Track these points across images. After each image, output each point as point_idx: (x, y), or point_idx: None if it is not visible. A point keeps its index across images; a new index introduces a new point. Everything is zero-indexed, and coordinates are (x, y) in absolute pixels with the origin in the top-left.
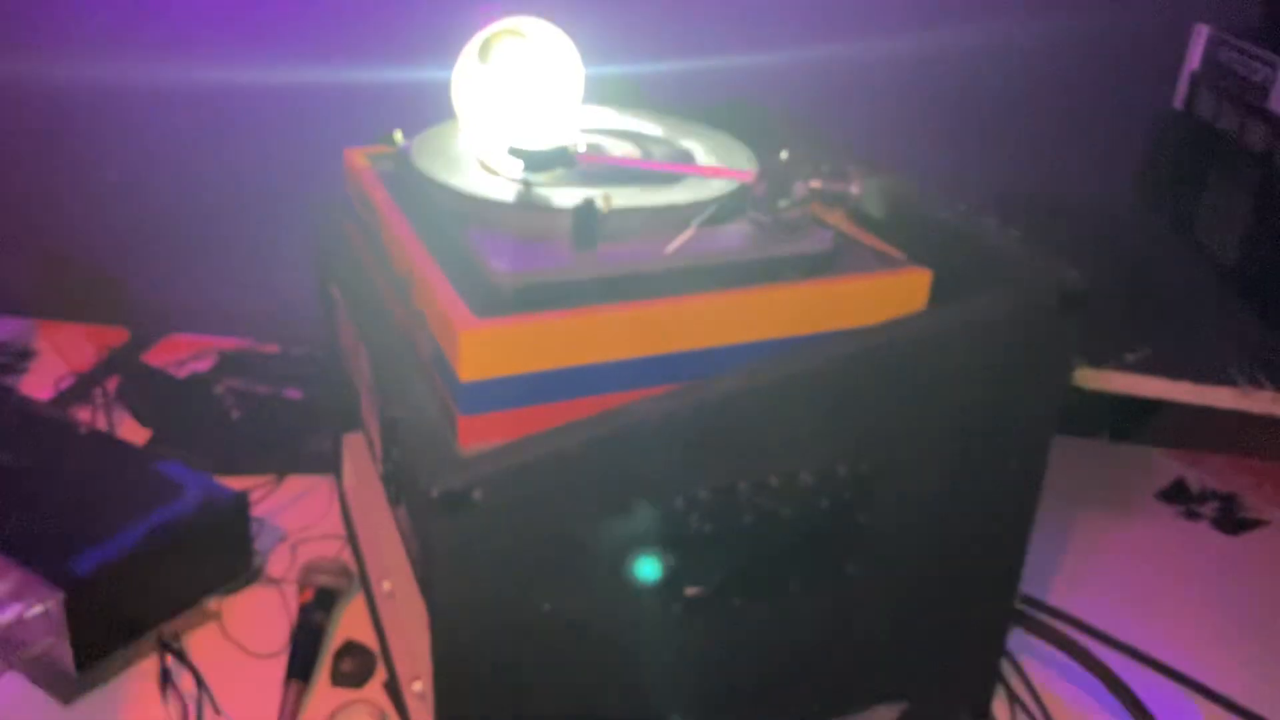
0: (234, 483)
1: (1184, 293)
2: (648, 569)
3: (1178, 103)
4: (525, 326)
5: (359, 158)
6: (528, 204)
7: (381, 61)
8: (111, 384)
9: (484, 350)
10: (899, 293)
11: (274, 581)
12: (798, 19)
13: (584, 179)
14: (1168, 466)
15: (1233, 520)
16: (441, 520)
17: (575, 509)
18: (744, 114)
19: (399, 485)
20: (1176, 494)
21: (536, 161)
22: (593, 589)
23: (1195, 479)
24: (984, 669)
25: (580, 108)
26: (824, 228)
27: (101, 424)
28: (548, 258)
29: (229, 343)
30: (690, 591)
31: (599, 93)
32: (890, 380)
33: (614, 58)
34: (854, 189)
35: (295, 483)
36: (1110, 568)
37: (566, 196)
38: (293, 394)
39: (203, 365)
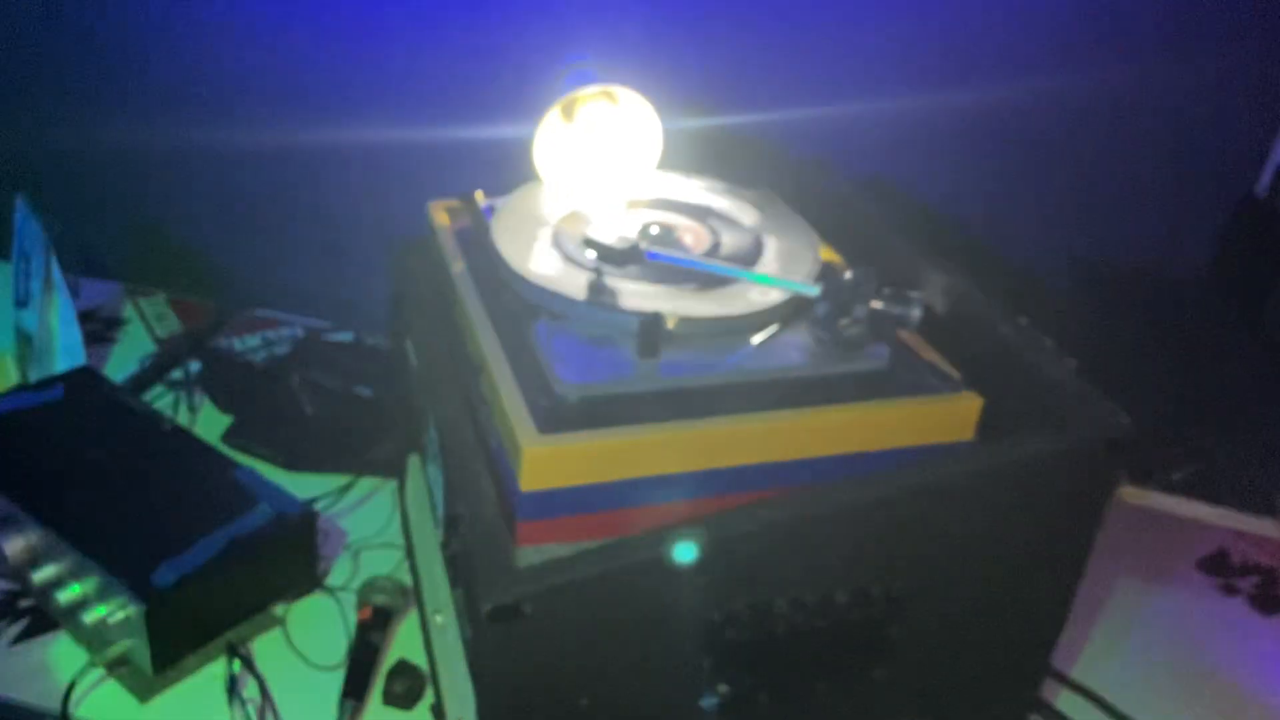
0: (304, 481)
1: (1243, 392)
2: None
3: (1260, 191)
4: (586, 444)
5: (440, 214)
6: (597, 304)
7: (477, 117)
8: (193, 365)
9: (544, 465)
10: (950, 418)
11: (336, 590)
12: (878, 73)
13: (654, 271)
14: (1212, 533)
15: (1271, 598)
16: (492, 626)
17: (617, 620)
18: (814, 175)
19: (456, 571)
20: (1217, 565)
21: (609, 256)
22: (629, 688)
23: (1239, 551)
24: None
25: (655, 173)
26: (880, 345)
27: (183, 407)
28: (611, 366)
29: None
30: (721, 690)
31: (676, 147)
32: (931, 512)
33: (691, 112)
34: (914, 313)
35: (361, 484)
36: (1142, 641)
37: (634, 295)
38: (363, 391)
39: (279, 345)
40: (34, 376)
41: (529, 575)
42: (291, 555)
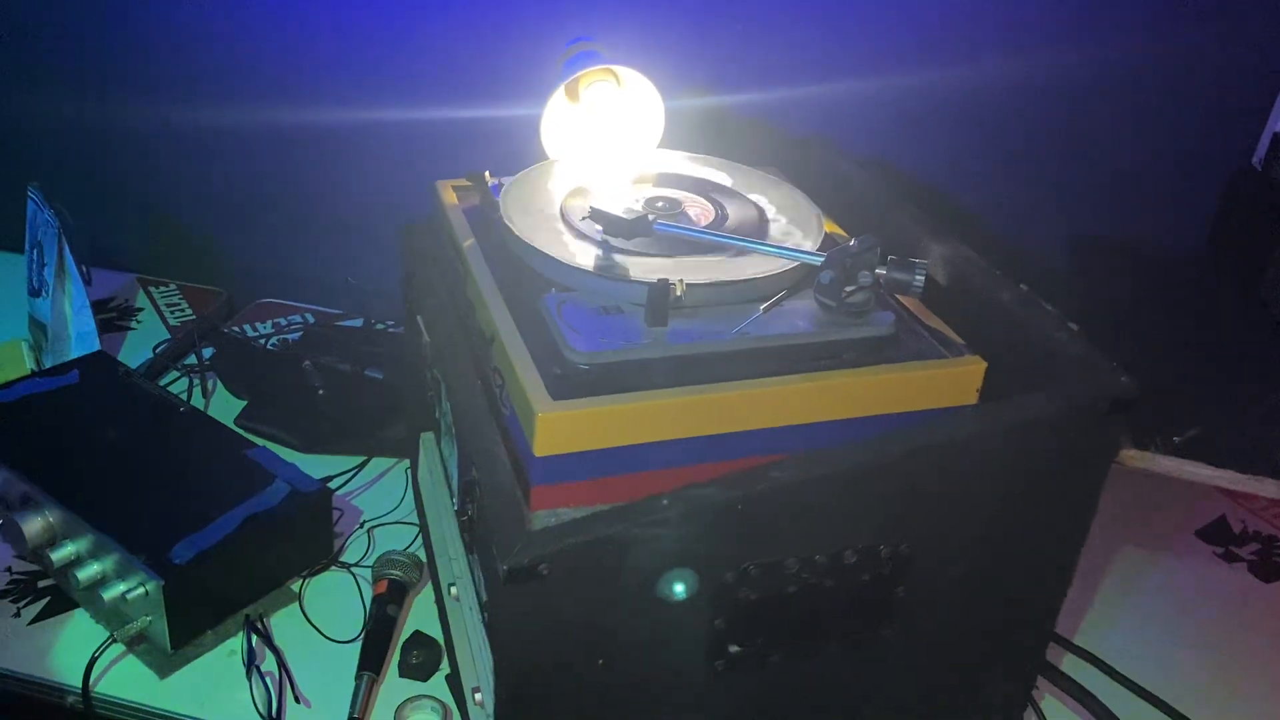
0: (317, 462)
1: (1242, 357)
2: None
3: (1256, 161)
4: (598, 410)
5: (449, 192)
6: (606, 275)
7: (484, 98)
8: (205, 350)
9: (557, 430)
10: (954, 382)
11: (351, 565)
12: (878, 51)
13: (660, 244)
14: (1212, 503)
15: (1271, 565)
16: (509, 588)
17: (631, 582)
18: (816, 152)
19: (473, 536)
20: (1217, 533)
21: (616, 228)
22: (644, 649)
23: (1238, 518)
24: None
25: (658, 151)
26: (885, 312)
27: (196, 390)
28: (620, 334)
29: (315, 310)
30: (733, 650)
31: (678, 126)
32: (937, 473)
33: (692, 91)
34: (918, 279)
35: (373, 464)
36: (1143, 608)
37: (642, 266)
38: (374, 374)
39: (289, 332)
40: (49, 364)
41: (545, 537)
42: (307, 531)
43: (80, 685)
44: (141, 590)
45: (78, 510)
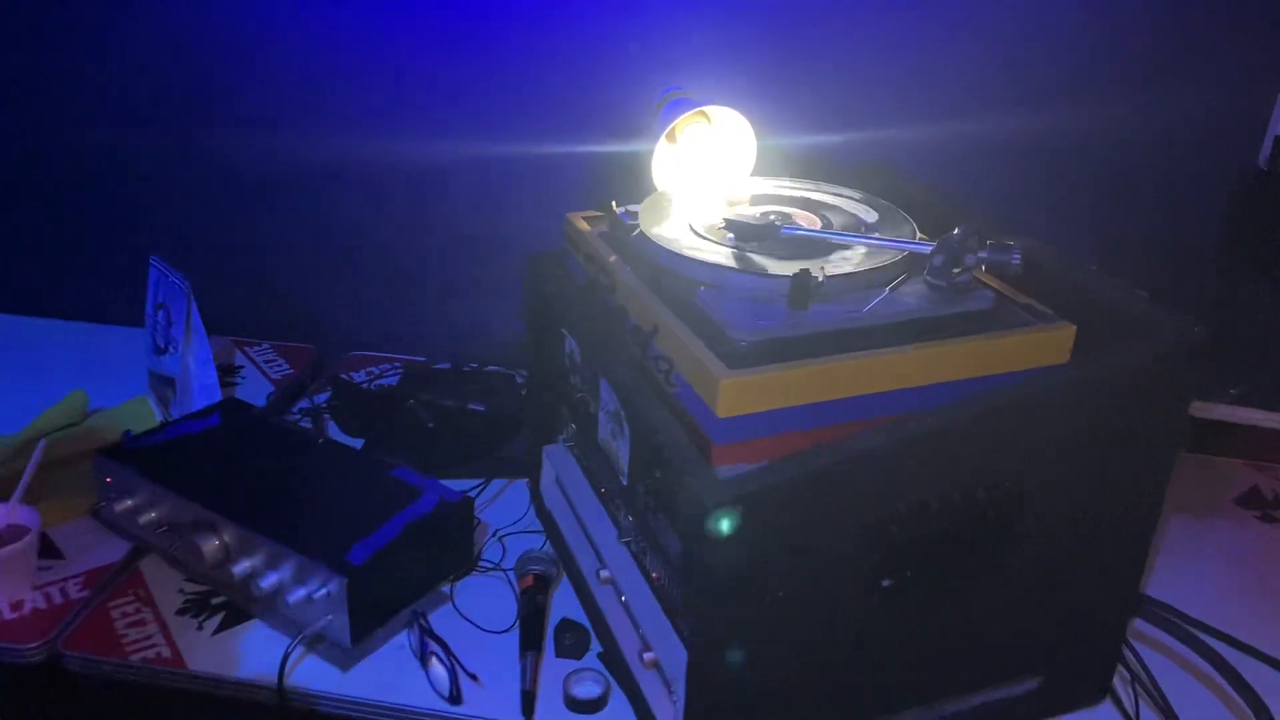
0: None
1: (1268, 331)
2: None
3: (1262, 162)
4: (762, 378)
5: (580, 221)
6: (750, 271)
7: (572, 138)
8: (316, 396)
9: (735, 395)
10: (1049, 344)
11: (491, 568)
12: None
13: (781, 247)
14: (1242, 476)
15: None
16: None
17: (804, 519)
18: (890, 179)
19: (658, 497)
20: (1253, 500)
21: (747, 233)
22: (815, 579)
23: (1267, 486)
24: (1108, 651)
25: (755, 177)
26: (986, 289)
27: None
28: (769, 318)
29: (400, 360)
30: (885, 583)
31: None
32: (1046, 419)
33: (783, 130)
34: (1014, 259)
35: (492, 485)
36: (1202, 566)
37: (773, 264)
38: (475, 406)
39: (385, 378)
40: (176, 414)
41: (736, 482)
42: (455, 536)
43: (275, 681)
44: (326, 591)
45: (255, 527)
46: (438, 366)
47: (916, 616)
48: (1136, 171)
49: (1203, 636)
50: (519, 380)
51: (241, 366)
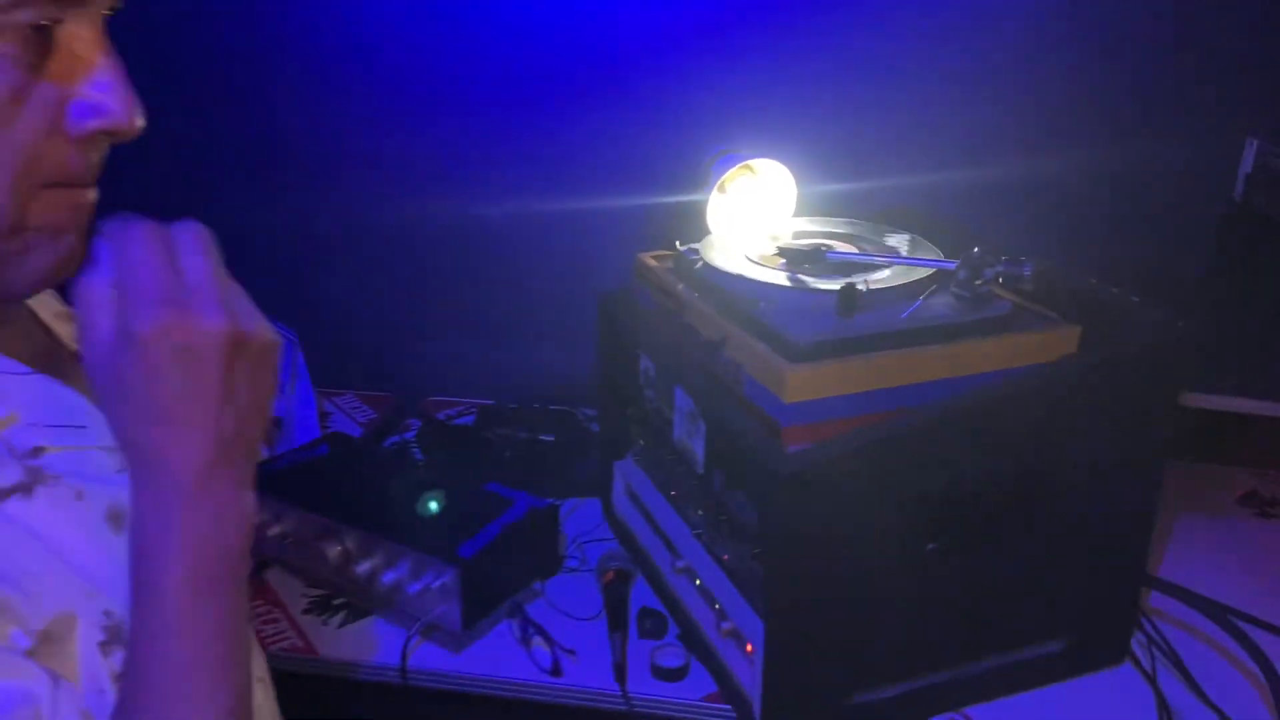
0: None
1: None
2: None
3: (1237, 196)
4: (820, 369)
5: (649, 259)
6: (802, 288)
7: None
8: (403, 432)
9: (800, 384)
10: (1059, 342)
11: (574, 570)
12: (941, 150)
13: (827, 268)
14: (1241, 479)
15: None
16: (783, 492)
17: (856, 488)
18: (910, 216)
19: (731, 476)
20: (1252, 500)
21: (797, 258)
22: (870, 540)
23: (1265, 488)
24: (1125, 617)
25: (796, 217)
26: (1003, 299)
27: None
28: (821, 324)
29: (472, 404)
30: (930, 546)
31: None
32: (1061, 400)
33: (818, 178)
34: (1027, 273)
35: (564, 504)
36: (1209, 556)
37: (822, 282)
38: (546, 438)
39: (461, 418)
40: (281, 450)
41: (806, 454)
42: (545, 538)
43: (398, 664)
44: (441, 581)
45: (375, 531)
46: (507, 406)
47: (956, 580)
48: (1128, 207)
49: (1209, 598)
50: (580, 415)
51: (330, 413)
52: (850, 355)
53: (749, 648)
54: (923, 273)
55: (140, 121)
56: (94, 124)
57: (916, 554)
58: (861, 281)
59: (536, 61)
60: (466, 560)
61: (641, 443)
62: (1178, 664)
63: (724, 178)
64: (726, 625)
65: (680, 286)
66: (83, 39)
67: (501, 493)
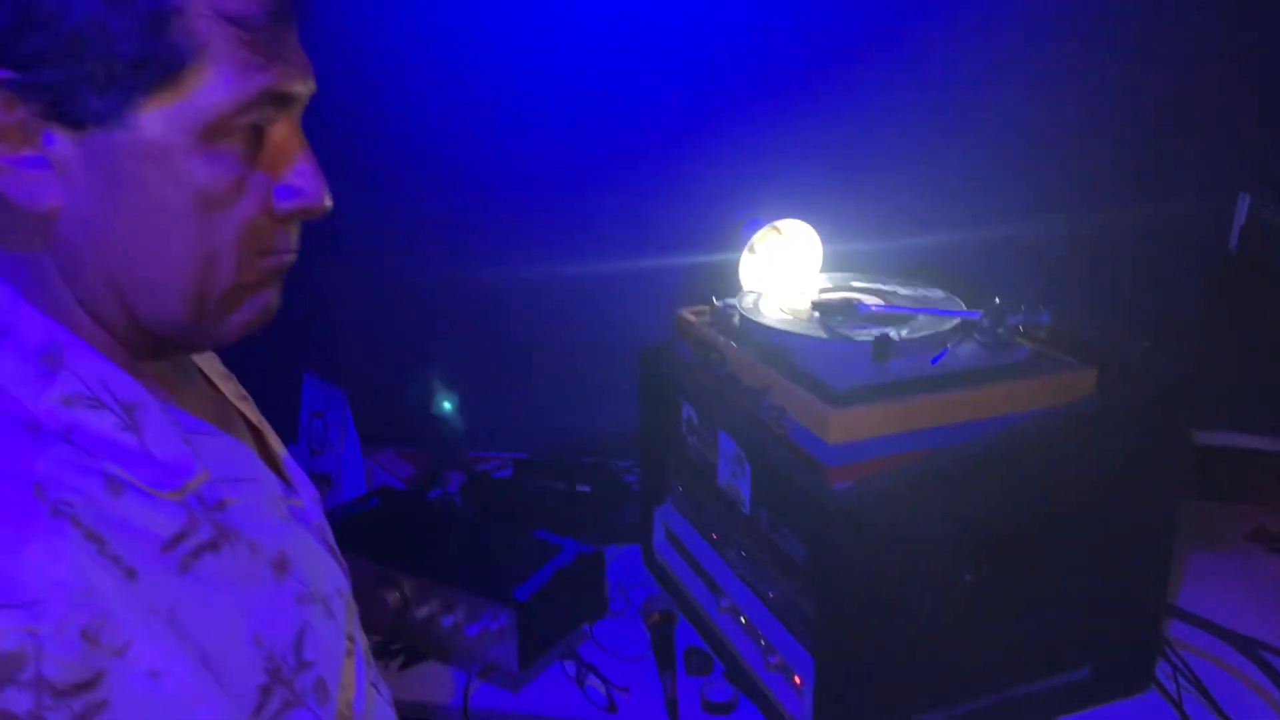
0: None
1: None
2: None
3: (1232, 248)
4: (860, 412)
5: (689, 314)
6: (838, 338)
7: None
8: (446, 485)
9: (842, 426)
10: (1076, 384)
11: (619, 613)
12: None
13: (857, 320)
14: (1249, 516)
15: None
16: (832, 527)
17: (899, 521)
18: (933, 274)
19: (781, 513)
20: (1261, 536)
21: (831, 310)
22: (912, 572)
23: (1273, 524)
24: (1148, 646)
25: (823, 274)
26: (1023, 345)
27: None
28: (857, 371)
29: (506, 458)
30: (967, 578)
31: (833, 262)
32: (1078, 440)
33: (842, 238)
34: (1044, 318)
35: (608, 550)
36: (1224, 591)
37: (854, 332)
38: (583, 488)
39: (498, 471)
40: (330, 505)
41: (850, 490)
42: (592, 582)
43: (460, 705)
44: (498, 624)
45: (432, 577)
46: (543, 459)
47: (991, 610)
48: (1130, 259)
49: (1230, 630)
50: (613, 466)
51: (370, 469)
52: (886, 399)
53: (797, 680)
54: (949, 322)
55: (329, 202)
56: (295, 204)
57: (954, 585)
58: (895, 332)
59: (576, 134)
60: (522, 603)
61: (680, 489)
62: (1202, 690)
63: (754, 238)
64: (774, 659)
65: (721, 339)
66: (285, 134)
67: (550, 539)
